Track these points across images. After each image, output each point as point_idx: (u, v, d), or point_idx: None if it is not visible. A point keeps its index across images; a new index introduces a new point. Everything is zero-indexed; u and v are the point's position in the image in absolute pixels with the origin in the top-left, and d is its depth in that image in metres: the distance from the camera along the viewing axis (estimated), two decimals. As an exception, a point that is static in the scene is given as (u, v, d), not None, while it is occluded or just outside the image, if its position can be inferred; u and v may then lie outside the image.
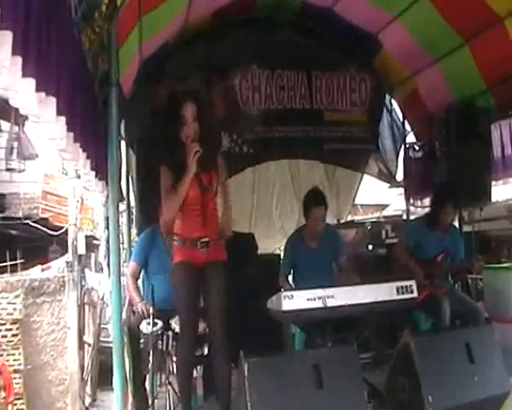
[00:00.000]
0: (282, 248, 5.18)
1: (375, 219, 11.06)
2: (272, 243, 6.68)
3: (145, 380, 4.17)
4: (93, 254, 16.28)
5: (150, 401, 4.01)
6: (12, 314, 4.97)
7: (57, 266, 11.66)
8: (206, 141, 3.48)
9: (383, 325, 4.75)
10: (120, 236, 3.83)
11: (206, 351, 3.94)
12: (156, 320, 3.90)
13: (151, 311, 3.87)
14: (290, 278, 4.68)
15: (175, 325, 3.98)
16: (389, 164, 6.94)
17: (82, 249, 12.34)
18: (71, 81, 2.35)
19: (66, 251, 11.90)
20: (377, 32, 5.88)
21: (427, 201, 6.06)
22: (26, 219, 13.29)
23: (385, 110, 6.87)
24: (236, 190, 4.75)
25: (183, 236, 3.56)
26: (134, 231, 5.76)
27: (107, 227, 3.49)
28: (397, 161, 6.99)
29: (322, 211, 4.49)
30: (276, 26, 6.03)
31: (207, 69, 5.86)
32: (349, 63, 6.50)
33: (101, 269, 13.26)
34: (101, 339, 7.05)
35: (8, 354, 4.90)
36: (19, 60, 1.69)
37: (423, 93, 6.16)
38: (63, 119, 2.22)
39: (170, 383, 4.07)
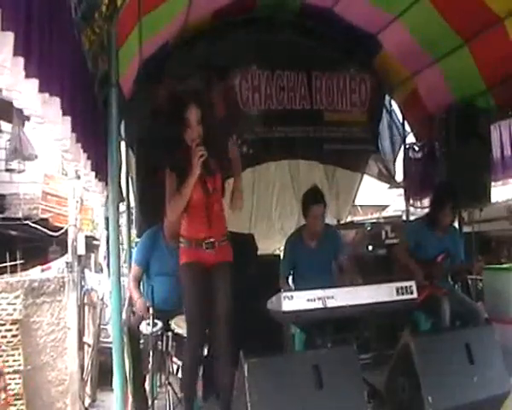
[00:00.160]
0: (282, 248, 5.17)
1: (374, 220, 11.08)
2: (272, 244, 6.67)
3: (145, 381, 4.17)
4: (93, 255, 16.29)
5: (150, 402, 4.01)
6: (12, 315, 4.97)
7: (57, 267, 11.67)
8: (211, 143, 3.49)
9: (383, 325, 4.74)
10: (120, 236, 3.82)
11: (205, 352, 3.93)
12: (156, 321, 3.90)
13: (151, 311, 3.87)
14: (290, 278, 4.68)
15: (175, 325, 3.98)
16: (389, 165, 6.95)
17: (82, 250, 12.35)
18: (72, 81, 2.35)
19: (66, 252, 11.91)
20: (377, 33, 5.88)
21: (426, 201, 6.06)
22: (25, 219, 13.30)
23: (384, 111, 6.87)
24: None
25: (188, 237, 3.59)
26: (134, 231, 5.76)
27: (107, 228, 3.49)
28: (395, 162, 7.00)
29: (321, 209, 4.49)
30: (276, 26, 6.02)
31: (207, 69, 5.86)
32: (349, 63, 6.50)
33: (101, 269, 13.27)
34: (101, 340, 7.06)
35: (7, 355, 4.90)
36: (21, 60, 1.69)
37: (423, 93, 6.17)
38: (68, 119, 2.23)
39: (170, 383, 4.06)
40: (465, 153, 5.53)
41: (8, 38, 1.60)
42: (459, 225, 5.86)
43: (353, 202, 7.48)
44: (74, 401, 5.20)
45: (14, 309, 5.00)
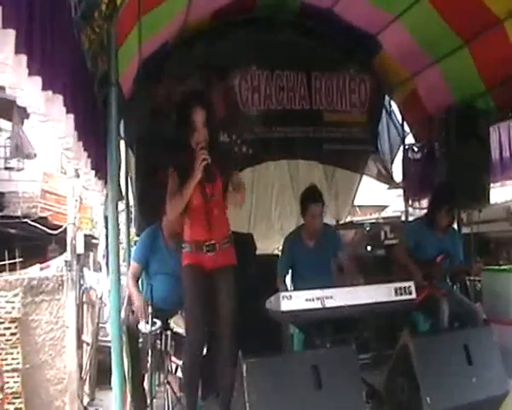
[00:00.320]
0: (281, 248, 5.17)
1: (373, 220, 11.09)
2: (271, 244, 6.67)
3: (144, 380, 4.16)
4: (92, 254, 16.31)
5: (149, 401, 4.01)
6: (10, 313, 4.98)
7: (56, 265, 11.67)
8: (213, 147, 3.49)
9: (382, 325, 4.75)
10: (119, 235, 3.82)
11: (205, 351, 3.93)
12: (155, 320, 3.90)
13: (150, 310, 3.87)
14: (288, 277, 4.68)
15: (174, 324, 3.98)
16: (388, 165, 6.95)
17: (81, 248, 12.35)
18: (73, 80, 2.35)
19: (65, 250, 11.90)
20: (377, 33, 5.88)
21: (425, 202, 6.06)
22: (24, 217, 13.32)
23: (384, 111, 6.88)
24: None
25: (189, 241, 3.60)
26: (133, 230, 5.76)
27: (106, 226, 3.49)
28: (392, 162, 7.00)
29: (320, 208, 4.49)
30: (275, 26, 6.02)
31: (207, 69, 5.86)
32: (349, 64, 6.49)
33: (100, 268, 13.30)
34: (100, 338, 7.06)
35: (6, 353, 4.91)
36: (24, 58, 1.69)
37: (423, 94, 6.17)
38: (71, 116, 2.23)
39: (168, 382, 4.07)
40: (464, 154, 5.54)
41: (10, 35, 1.60)
42: (458, 225, 5.86)
43: (352, 202, 7.48)
44: (73, 400, 5.21)
45: (13, 307, 5.01)
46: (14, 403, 4.87)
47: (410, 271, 4.52)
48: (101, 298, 7.50)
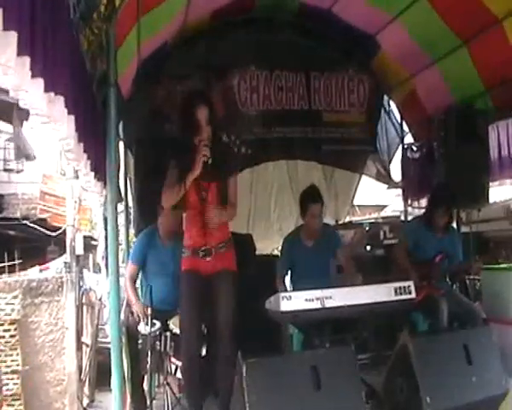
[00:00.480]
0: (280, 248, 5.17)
1: (373, 220, 11.10)
2: (270, 244, 6.67)
3: (143, 381, 4.17)
4: (91, 255, 16.29)
5: (148, 402, 4.01)
6: (10, 315, 4.98)
7: (55, 267, 11.67)
8: (216, 145, 3.50)
9: (381, 325, 4.74)
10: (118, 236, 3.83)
11: (204, 352, 3.94)
12: (154, 321, 3.90)
13: (149, 312, 3.87)
14: (288, 278, 4.68)
15: (173, 325, 3.99)
16: (387, 165, 6.95)
17: (80, 250, 12.35)
18: (72, 81, 2.35)
19: (65, 252, 11.90)
20: (376, 33, 5.88)
21: (424, 202, 6.07)
22: (24, 219, 13.31)
23: (383, 111, 6.88)
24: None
25: (187, 246, 3.63)
26: (132, 231, 5.76)
27: (106, 228, 3.50)
28: (390, 162, 7.00)
29: (319, 207, 4.49)
30: (274, 26, 6.02)
31: (206, 69, 5.86)
32: (347, 64, 6.50)
33: (99, 269, 13.28)
34: (99, 340, 7.06)
35: (6, 355, 4.91)
36: (27, 60, 1.69)
37: (422, 94, 6.17)
38: (72, 117, 2.24)
39: (168, 383, 4.07)
40: (463, 154, 5.54)
41: (11, 37, 1.60)
42: (457, 225, 5.87)
43: (352, 202, 7.48)
44: (72, 402, 5.20)
45: (13, 309, 5.00)
46: (13, 405, 4.86)
47: (406, 271, 4.52)
48: (100, 299, 7.49)
